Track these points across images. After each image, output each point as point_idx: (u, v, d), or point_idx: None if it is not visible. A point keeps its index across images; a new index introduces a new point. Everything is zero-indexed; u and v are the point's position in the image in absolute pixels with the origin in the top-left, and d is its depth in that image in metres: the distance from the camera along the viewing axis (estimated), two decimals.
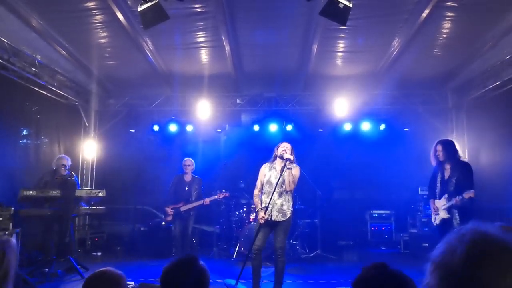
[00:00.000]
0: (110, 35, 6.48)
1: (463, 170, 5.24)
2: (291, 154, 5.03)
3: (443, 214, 5.28)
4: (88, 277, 2.11)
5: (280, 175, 4.94)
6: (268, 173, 5.13)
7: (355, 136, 9.08)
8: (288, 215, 5.03)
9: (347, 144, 9.10)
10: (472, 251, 1.03)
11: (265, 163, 5.27)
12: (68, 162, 6.86)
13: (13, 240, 1.94)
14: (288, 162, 4.92)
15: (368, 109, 8.95)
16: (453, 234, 1.12)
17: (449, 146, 5.42)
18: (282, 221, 4.99)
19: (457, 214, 5.13)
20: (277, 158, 5.13)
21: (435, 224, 5.47)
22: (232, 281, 5.29)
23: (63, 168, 6.68)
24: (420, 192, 8.35)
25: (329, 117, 8.93)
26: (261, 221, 4.90)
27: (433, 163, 5.55)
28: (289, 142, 5.23)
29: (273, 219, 4.97)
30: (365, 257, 7.74)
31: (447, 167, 5.39)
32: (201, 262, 1.99)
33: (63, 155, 7.27)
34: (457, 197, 5.05)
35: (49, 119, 8.36)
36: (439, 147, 5.41)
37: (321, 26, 6.09)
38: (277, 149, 5.17)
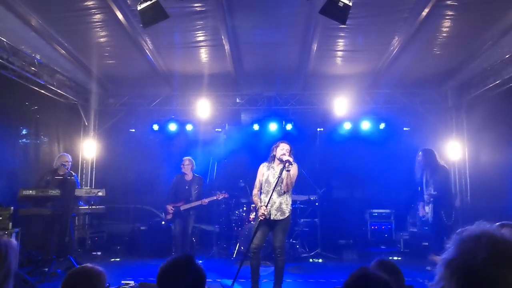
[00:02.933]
0: (110, 34, 6.47)
1: (440, 174, 6.57)
2: (290, 155, 5.00)
3: (427, 210, 6.73)
4: (68, 273, 2.11)
5: (279, 177, 4.92)
6: (266, 172, 5.13)
7: (355, 135, 9.07)
8: (287, 213, 5.03)
9: (347, 143, 9.10)
10: (495, 253, 1.07)
11: (263, 162, 5.27)
12: (68, 160, 6.85)
13: (14, 240, 1.95)
14: (287, 164, 4.90)
15: (368, 108, 8.94)
16: (463, 236, 1.15)
17: (427, 154, 6.78)
18: (281, 219, 4.99)
19: (432, 210, 6.56)
20: (276, 159, 5.12)
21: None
22: (228, 282, 5.27)
23: (62, 167, 6.66)
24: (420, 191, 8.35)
25: (329, 116, 8.93)
26: (262, 217, 4.89)
27: (418, 173, 6.91)
28: (288, 141, 5.21)
29: (271, 218, 4.96)
30: (365, 256, 7.74)
31: (427, 172, 6.72)
32: (198, 262, 1.97)
33: (63, 153, 7.27)
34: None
35: (49, 119, 8.35)
36: (420, 154, 6.83)
37: (320, 25, 6.08)
38: (276, 149, 5.14)
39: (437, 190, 6.54)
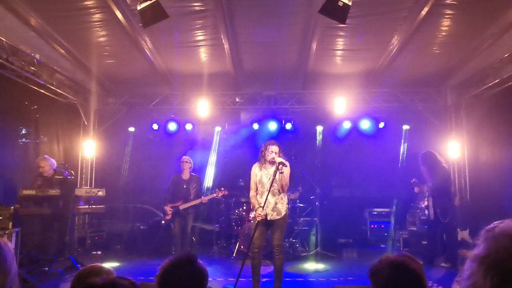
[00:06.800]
0: (109, 34, 6.47)
1: (439, 174, 6.74)
2: (280, 156, 4.99)
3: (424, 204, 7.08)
4: (78, 272, 2.11)
5: (273, 179, 4.90)
6: (259, 173, 5.12)
7: (354, 134, 9.09)
8: (283, 213, 5.04)
9: (346, 142, 9.11)
10: None
11: (255, 163, 5.25)
12: (48, 162, 6.66)
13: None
14: (281, 166, 4.88)
15: (367, 107, 8.95)
16: (494, 233, 1.15)
17: (426, 157, 6.90)
18: (278, 219, 5.00)
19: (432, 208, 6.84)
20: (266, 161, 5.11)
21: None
22: (230, 287, 5.28)
23: (44, 170, 6.53)
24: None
25: (328, 115, 8.94)
26: (259, 218, 4.90)
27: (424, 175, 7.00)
28: (276, 140, 5.19)
29: (268, 218, 4.98)
30: (365, 255, 7.76)
31: (429, 173, 6.88)
32: (199, 261, 1.92)
33: (41, 156, 6.98)
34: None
35: (48, 118, 8.34)
36: (420, 159, 6.96)
37: (320, 24, 6.08)
38: (265, 151, 5.10)
39: (433, 189, 6.79)
